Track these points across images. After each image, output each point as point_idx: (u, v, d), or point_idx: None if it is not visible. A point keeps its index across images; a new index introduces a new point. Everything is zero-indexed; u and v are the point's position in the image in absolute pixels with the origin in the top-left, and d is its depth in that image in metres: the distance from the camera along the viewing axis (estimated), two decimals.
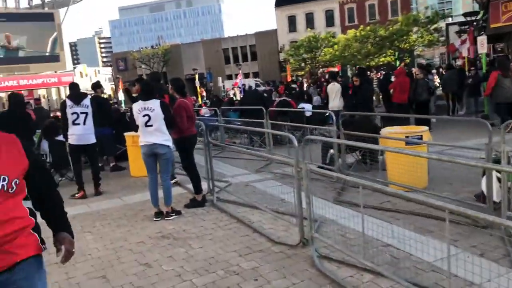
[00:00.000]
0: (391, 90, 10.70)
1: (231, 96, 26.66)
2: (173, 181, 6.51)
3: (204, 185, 5.99)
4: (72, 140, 6.40)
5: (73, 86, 6.57)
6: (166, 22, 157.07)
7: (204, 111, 13.83)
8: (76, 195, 6.43)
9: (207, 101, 27.86)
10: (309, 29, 36.17)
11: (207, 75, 42.76)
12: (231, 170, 7.70)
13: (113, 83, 56.46)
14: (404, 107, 10.21)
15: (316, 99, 12.80)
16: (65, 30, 26.63)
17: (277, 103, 11.51)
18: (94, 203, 6.18)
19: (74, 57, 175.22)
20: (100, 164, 8.41)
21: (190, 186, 5.93)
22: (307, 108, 10.99)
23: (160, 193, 5.23)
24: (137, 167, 7.42)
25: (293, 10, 50.68)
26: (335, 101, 10.31)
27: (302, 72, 34.38)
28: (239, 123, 11.24)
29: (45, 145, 7.72)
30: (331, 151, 6.90)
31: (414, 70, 14.43)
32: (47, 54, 27.37)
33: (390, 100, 10.99)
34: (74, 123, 6.38)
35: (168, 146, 5.17)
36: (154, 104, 5.05)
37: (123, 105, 34.12)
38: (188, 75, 54.75)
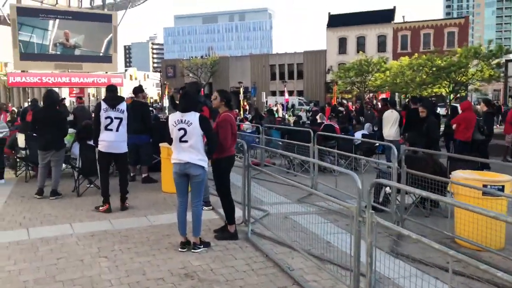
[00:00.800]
0: (453, 126, 9.62)
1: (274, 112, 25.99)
2: (206, 208, 5.86)
3: (238, 212, 5.30)
4: (102, 146, 5.91)
5: (110, 89, 6.10)
6: (218, 34, 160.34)
7: (246, 126, 13.20)
8: (101, 208, 5.91)
9: (249, 115, 27.38)
10: (361, 52, 35.13)
11: (252, 90, 42.60)
12: (269, 196, 6.94)
13: (160, 89, 57.58)
14: (468, 146, 9.11)
15: (367, 126, 11.86)
16: (121, 33, 27.20)
17: (322, 128, 10.71)
18: (118, 219, 5.60)
19: (127, 60, 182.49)
20: (132, 174, 7.93)
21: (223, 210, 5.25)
22: (357, 135, 10.09)
23: (189, 216, 4.56)
24: (169, 182, 6.79)
25: (345, 32, 50.01)
26: (392, 130, 9.37)
27: (349, 95, 33.32)
28: (281, 143, 10.52)
29: (76, 148, 7.32)
30: (387, 189, 6.01)
31: (480, 105, 13.17)
32: (100, 54, 27.99)
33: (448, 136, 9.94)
34: (106, 128, 5.89)
35: (203, 167, 4.52)
36: (193, 118, 4.43)
37: (167, 111, 34.61)
38: (233, 87, 55.05)
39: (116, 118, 5.93)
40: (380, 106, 20.25)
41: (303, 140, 9.28)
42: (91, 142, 6.31)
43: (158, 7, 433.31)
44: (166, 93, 36.18)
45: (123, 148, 6.06)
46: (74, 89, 38.44)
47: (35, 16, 25.71)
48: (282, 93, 48.83)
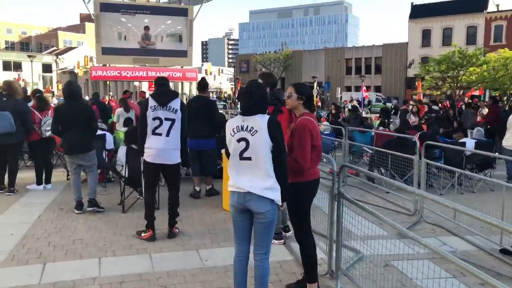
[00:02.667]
0: None
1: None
2: (277, 242, 4.38)
3: (320, 253, 3.75)
4: (148, 155, 4.63)
5: (159, 82, 4.77)
6: (292, 29, 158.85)
7: (323, 127, 11.41)
8: (143, 234, 4.65)
9: (323, 112, 25.34)
10: (453, 43, 31.22)
11: (325, 84, 40.39)
12: (357, 223, 5.25)
13: (233, 83, 57.48)
14: None
15: (477, 131, 9.53)
16: (199, 29, 26.73)
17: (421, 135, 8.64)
18: (161, 253, 4.28)
19: (204, 55, 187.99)
20: (197, 189, 6.63)
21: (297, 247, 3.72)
22: (469, 144, 7.93)
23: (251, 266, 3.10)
24: None
25: (429, 23, 45.80)
26: None
27: (438, 92, 29.74)
28: (370, 151, 8.67)
29: (121, 153, 6.20)
30: None
31: None
32: (176, 49, 27.96)
33: None
34: (154, 133, 4.59)
35: (273, 200, 2.99)
36: (260, 123, 2.93)
37: (238, 107, 33.85)
38: (306, 82, 53.18)
39: (166, 119, 4.61)
40: (485, 104, 17.19)
41: (397, 147, 7.43)
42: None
43: (235, 3, 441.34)
44: (239, 88, 35.43)
45: (175, 157, 4.74)
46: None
47: (117, 11, 26.41)
48: (358, 89, 46.15)
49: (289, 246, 4.50)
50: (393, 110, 22.12)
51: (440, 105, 19.05)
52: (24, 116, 6.47)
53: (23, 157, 8.59)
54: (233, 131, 2.97)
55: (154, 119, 4.59)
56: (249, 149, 2.92)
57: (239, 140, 2.94)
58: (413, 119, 12.41)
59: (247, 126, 2.93)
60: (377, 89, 49.04)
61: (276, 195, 2.97)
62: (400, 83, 47.99)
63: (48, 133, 6.64)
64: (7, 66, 54.27)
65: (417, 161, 6.11)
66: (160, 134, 4.60)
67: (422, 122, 13.38)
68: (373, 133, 9.73)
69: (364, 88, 29.90)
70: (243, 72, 56.63)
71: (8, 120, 6.23)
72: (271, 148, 2.92)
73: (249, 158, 2.93)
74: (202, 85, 6.82)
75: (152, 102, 4.62)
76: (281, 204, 3.02)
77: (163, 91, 4.71)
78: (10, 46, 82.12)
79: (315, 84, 30.20)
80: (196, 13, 29.66)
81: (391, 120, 15.53)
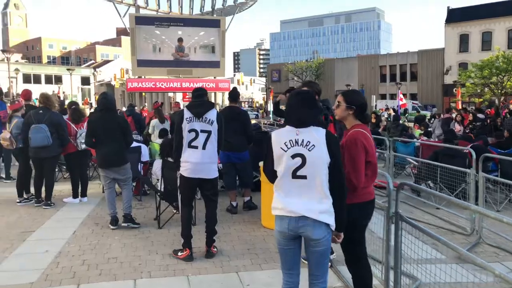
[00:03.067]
0: None
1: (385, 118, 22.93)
2: None
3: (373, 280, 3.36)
4: (184, 170, 4.39)
5: (196, 93, 4.54)
6: (323, 37, 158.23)
7: None
8: (180, 253, 4.39)
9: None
10: (495, 46, 29.73)
11: None
12: (410, 244, 4.77)
13: (265, 93, 57.49)
14: None
15: None
16: (231, 40, 27.00)
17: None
18: (199, 276, 3.98)
19: (236, 66, 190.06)
20: (234, 204, 6.34)
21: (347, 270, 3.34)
22: None
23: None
24: (271, 214, 5.11)
25: (467, 27, 44.03)
26: None
27: (480, 99, 28.34)
28: (416, 163, 8.12)
29: (157, 166, 6.00)
30: None
31: None
32: (209, 59, 28.19)
33: None
34: (190, 145, 4.36)
35: (328, 225, 2.64)
36: (316, 136, 2.59)
37: (271, 116, 33.52)
38: (339, 90, 52.42)
39: (203, 131, 4.36)
40: None
41: (446, 159, 6.91)
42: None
43: (266, 14, 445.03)
44: (271, 97, 35.19)
45: (212, 172, 4.49)
46: (187, 93, 39.92)
47: (151, 24, 26.96)
48: (392, 96, 44.90)
49: (337, 271, 4.11)
50: (433, 119, 21.20)
51: (485, 112, 18.04)
52: (60, 129, 6.43)
53: (61, 170, 8.62)
54: (286, 146, 2.61)
55: (189, 131, 4.36)
56: (305, 167, 2.56)
57: (293, 156, 2.58)
58: (457, 128, 11.70)
59: (303, 140, 2.58)
60: (413, 96, 47.61)
61: (332, 219, 2.62)
62: (437, 91, 46.37)
63: (83, 146, 6.56)
64: (49, 79, 56.66)
65: (473, 175, 5.57)
66: (196, 147, 4.36)
67: (467, 131, 12.63)
68: (417, 143, 9.17)
69: (401, 96, 28.98)
70: (274, 81, 56.54)
71: (44, 133, 6.19)
72: (328, 165, 2.59)
73: (304, 177, 2.57)
74: (234, 95, 6.57)
75: (187, 114, 4.39)
76: (337, 232, 2.67)
77: (199, 102, 4.48)
78: (52, 61, 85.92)
79: None
80: (228, 24, 29.86)
81: (429, 129, 14.79)
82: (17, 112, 7.16)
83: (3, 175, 8.65)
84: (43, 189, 6.58)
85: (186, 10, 33.01)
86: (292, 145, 2.59)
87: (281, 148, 2.62)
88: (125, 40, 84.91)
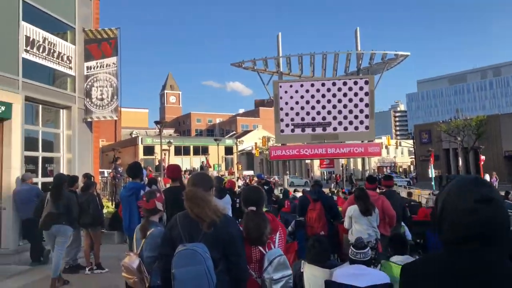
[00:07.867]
0: None
1: None
2: None
3: None
4: None
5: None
6: (468, 94, 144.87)
7: None
8: None
9: None
10: None
11: None
12: None
13: (413, 156, 51.78)
14: None
15: None
16: (376, 98, 24.52)
17: None
18: None
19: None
20: None
21: None
22: None
23: None
24: None
25: None
26: None
27: None
28: None
29: None
30: None
31: None
32: (354, 122, 25.79)
33: None
34: None
35: None
36: None
37: (433, 184, 28.33)
38: (509, 151, 44.00)
39: None
40: None
41: None
42: None
43: (400, 75, 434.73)
44: (431, 161, 30.20)
45: None
46: (325, 160, 37.51)
47: (295, 91, 26.04)
48: None
49: None
50: None
51: None
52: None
53: None
54: None
55: None
56: None
57: None
58: None
59: None
60: None
61: None
62: None
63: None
64: (196, 150, 60.65)
65: None
66: None
67: None
68: None
69: None
70: (424, 143, 50.65)
71: (200, 265, 3.79)
72: None
73: None
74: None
75: None
76: None
77: None
78: (199, 133, 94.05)
79: None
80: (376, 83, 27.21)
81: None
82: (154, 216, 3.52)
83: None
84: None
85: (330, 73, 31.58)
86: None
87: None
88: (263, 111, 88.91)
